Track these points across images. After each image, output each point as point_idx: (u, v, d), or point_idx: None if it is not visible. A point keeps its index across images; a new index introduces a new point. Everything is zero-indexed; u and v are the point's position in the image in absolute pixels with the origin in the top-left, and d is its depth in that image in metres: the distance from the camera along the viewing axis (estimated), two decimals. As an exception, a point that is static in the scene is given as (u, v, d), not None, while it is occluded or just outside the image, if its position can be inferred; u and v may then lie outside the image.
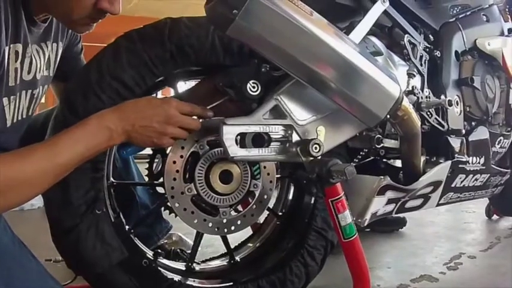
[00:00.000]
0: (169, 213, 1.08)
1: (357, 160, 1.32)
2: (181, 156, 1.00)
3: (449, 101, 1.30)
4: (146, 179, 1.16)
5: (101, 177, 0.95)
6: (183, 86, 1.18)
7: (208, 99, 1.02)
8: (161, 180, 1.06)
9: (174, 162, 0.99)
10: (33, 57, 0.97)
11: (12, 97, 0.93)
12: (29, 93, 1.00)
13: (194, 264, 1.13)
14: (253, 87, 0.98)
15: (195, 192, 1.01)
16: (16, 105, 0.96)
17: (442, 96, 1.34)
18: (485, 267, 1.55)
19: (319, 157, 0.99)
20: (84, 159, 0.82)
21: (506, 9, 1.70)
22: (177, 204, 1.00)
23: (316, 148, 0.99)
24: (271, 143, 1.00)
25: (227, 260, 1.19)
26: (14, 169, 0.74)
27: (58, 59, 1.11)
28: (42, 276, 0.87)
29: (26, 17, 0.91)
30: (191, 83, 1.19)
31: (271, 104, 0.99)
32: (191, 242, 1.32)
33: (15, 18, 0.87)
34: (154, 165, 1.12)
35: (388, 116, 1.06)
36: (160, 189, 1.08)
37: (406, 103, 1.10)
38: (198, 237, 1.10)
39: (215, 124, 0.99)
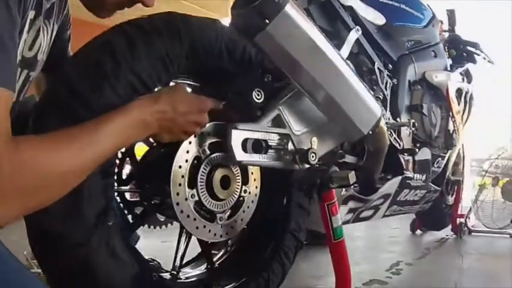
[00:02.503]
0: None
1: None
2: (187, 161, 0.98)
3: (414, 123, 1.46)
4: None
5: (112, 183, 0.87)
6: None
7: None
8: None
9: (180, 166, 0.96)
10: (40, 30, 0.86)
11: None
12: (25, 74, 0.88)
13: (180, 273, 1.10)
14: (258, 95, 1.02)
15: (197, 199, 0.99)
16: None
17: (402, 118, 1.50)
18: (424, 272, 1.73)
19: (316, 165, 1.06)
20: (117, 150, 0.77)
21: (446, 47, 1.95)
22: (181, 211, 0.97)
23: (313, 157, 1.06)
24: (268, 150, 1.05)
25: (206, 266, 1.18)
26: (52, 158, 0.62)
27: (51, 42, 0.98)
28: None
29: None
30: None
31: (274, 113, 1.05)
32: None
33: None
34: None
35: (371, 132, 1.17)
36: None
37: (383, 122, 1.22)
38: (185, 244, 1.05)
39: (217, 127, 1.02)
